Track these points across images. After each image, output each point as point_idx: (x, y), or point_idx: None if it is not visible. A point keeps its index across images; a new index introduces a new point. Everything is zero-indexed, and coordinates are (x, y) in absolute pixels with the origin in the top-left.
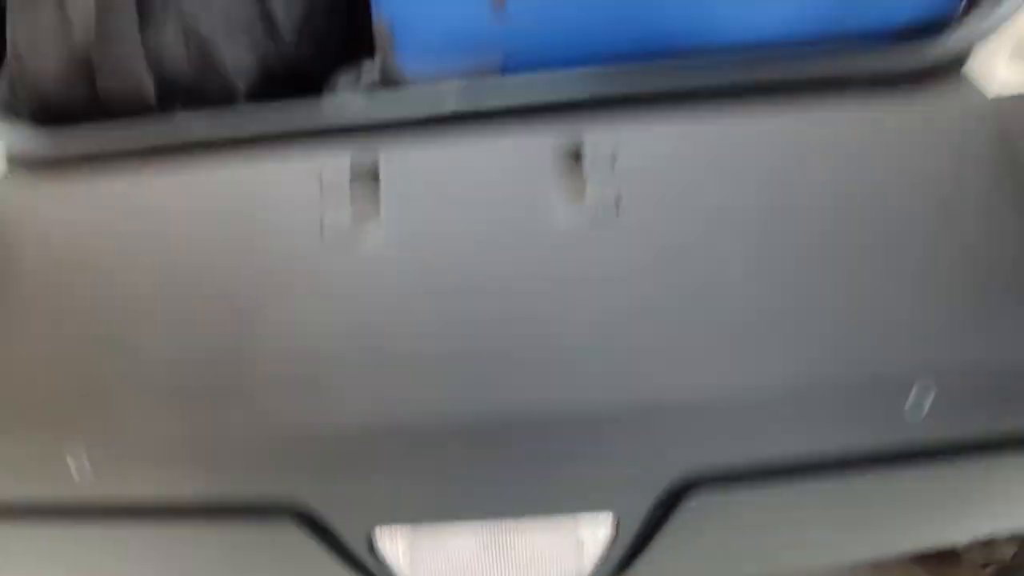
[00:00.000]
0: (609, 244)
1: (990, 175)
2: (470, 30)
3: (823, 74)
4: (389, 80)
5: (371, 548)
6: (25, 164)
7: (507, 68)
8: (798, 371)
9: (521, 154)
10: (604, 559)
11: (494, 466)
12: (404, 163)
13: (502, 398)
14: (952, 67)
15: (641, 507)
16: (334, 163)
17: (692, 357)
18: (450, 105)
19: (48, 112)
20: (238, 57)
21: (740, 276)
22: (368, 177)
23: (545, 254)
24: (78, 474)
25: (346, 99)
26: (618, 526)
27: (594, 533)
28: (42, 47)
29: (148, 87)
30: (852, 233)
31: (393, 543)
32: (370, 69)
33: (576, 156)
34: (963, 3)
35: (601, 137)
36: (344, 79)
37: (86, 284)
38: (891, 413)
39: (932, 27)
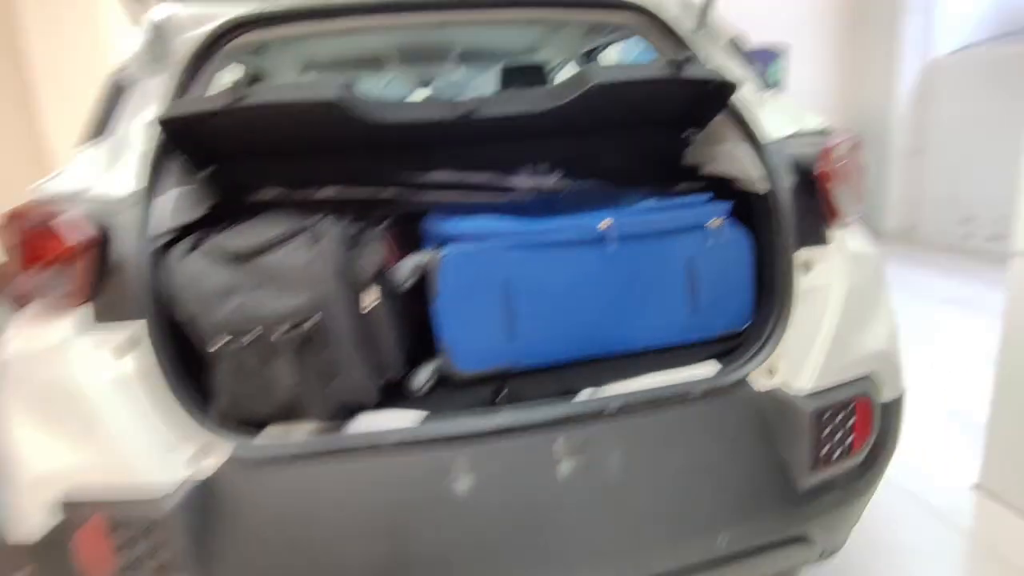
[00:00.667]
0: (582, 484)
1: (761, 429)
2: (496, 348)
3: (689, 391)
4: (449, 376)
5: None
6: (239, 461)
7: (514, 366)
8: (684, 537)
9: (539, 447)
10: None
11: None
12: (478, 452)
13: (533, 571)
14: (742, 381)
15: None
16: (446, 454)
17: (636, 540)
18: (496, 420)
19: (256, 422)
20: (373, 383)
21: (649, 499)
22: (460, 463)
23: (553, 492)
24: None
25: (448, 419)
26: None
27: None
28: (259, 404)
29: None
30: (696, 470)
31: None
32: (435, 368)
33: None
34: (756, 319)
35: (568, 436)
36: (422, 372)
37: (295, 520)
38: (709, 546)
39: (737, 333)
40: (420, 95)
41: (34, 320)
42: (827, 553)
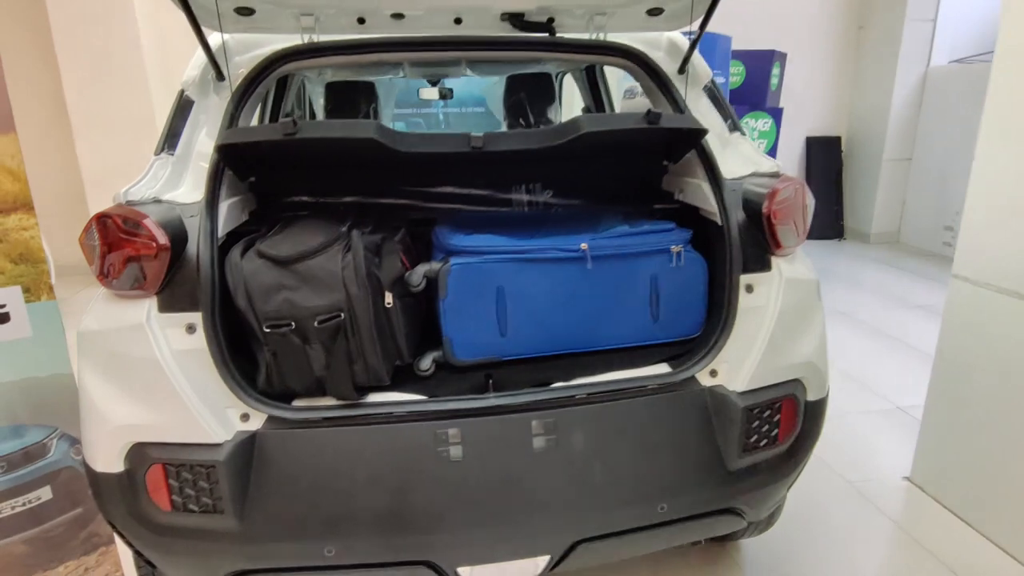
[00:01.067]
0: (552, 457)
1: (702, 420)
2: (489, 342)
3: (643, 385)
4: (448, 364)
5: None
6: (276, 422)
7: (502, 357)
8: (630, 503)
9: (519, 425)
10: (544, 569)
11: (511, 547)
12: (468, 426)
13: (509, 525)
14: (692, 378)
15: (560, 551)
16: (443, 426)
17: (592, 503)
18: (485, 401)
19: (291, 396)
20: (387, 367)
21: (605, 471)
22: (452, 434)
23: (527, 460)
24: (328, 552)
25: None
26: (552, 558)
27: (541, 560)
28: (295, 381)
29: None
30: (647, 452)
31: (467, 573)
32: (437, 356)
33: (536, 428)
34: (705, 329)
35: (542, 418)
36: (425, 360)
37: (318, 473)
38: (651, 511)
39: (689, 340)
40: (429, 93)
41: (109, 303)
42: (759, 527)
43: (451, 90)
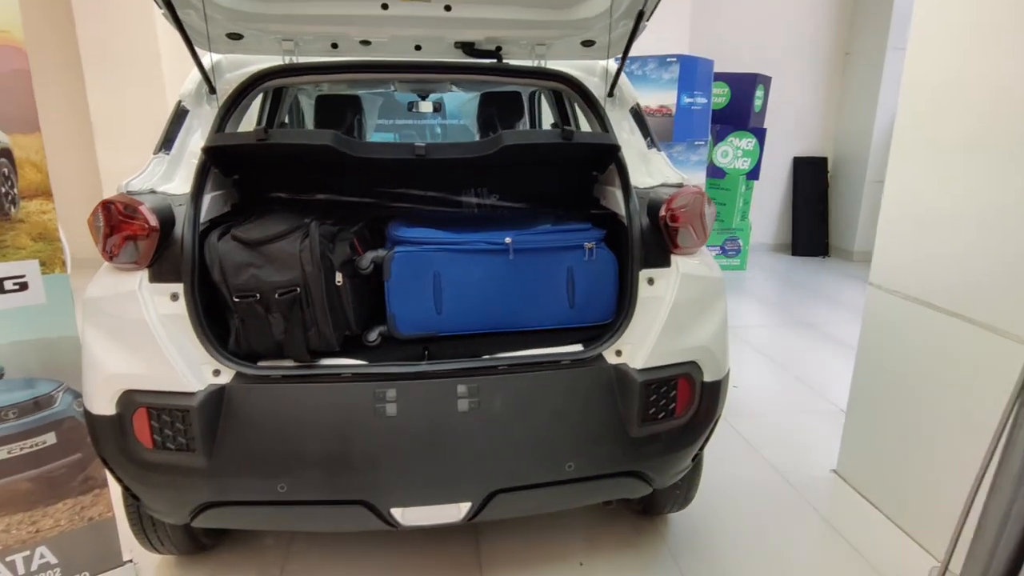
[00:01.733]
0: (475, 417)
1: (607, 391)
2: (427, 319)
3: (557, 359)
4: (392, 337)
5: (390, 515)
6: (242, 378)
7: (439, 332)
8: (541, 460)
9: (447, 389)
10: (466, 515)
11: (436, 492)
12: (403, 388)
13: (435, 473)
14: (599, 356)
15: (479, 499)
16: (382, 387)
17: (508, 458)
18: (419, 368)
19: (255, 357)
20: (337, 336)
21: (520, 431)
22: (389, 394)
23: (455, 419)
24: (281, 487)
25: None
26: (472, 505)
27: (463, 506)
28: (259, 343)
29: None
30: (557, 417)
31: (400, 513)
32: (382, 330)
33: (461, 392)
34: (616, 316)
35: (467, 383)
36: (372, 333)
37: (275, 421)
38: (559, 469)
39: (607, 323)
40: (425, 106)
41: (109, 274)
42: (677, 500)
43: (439, 104)
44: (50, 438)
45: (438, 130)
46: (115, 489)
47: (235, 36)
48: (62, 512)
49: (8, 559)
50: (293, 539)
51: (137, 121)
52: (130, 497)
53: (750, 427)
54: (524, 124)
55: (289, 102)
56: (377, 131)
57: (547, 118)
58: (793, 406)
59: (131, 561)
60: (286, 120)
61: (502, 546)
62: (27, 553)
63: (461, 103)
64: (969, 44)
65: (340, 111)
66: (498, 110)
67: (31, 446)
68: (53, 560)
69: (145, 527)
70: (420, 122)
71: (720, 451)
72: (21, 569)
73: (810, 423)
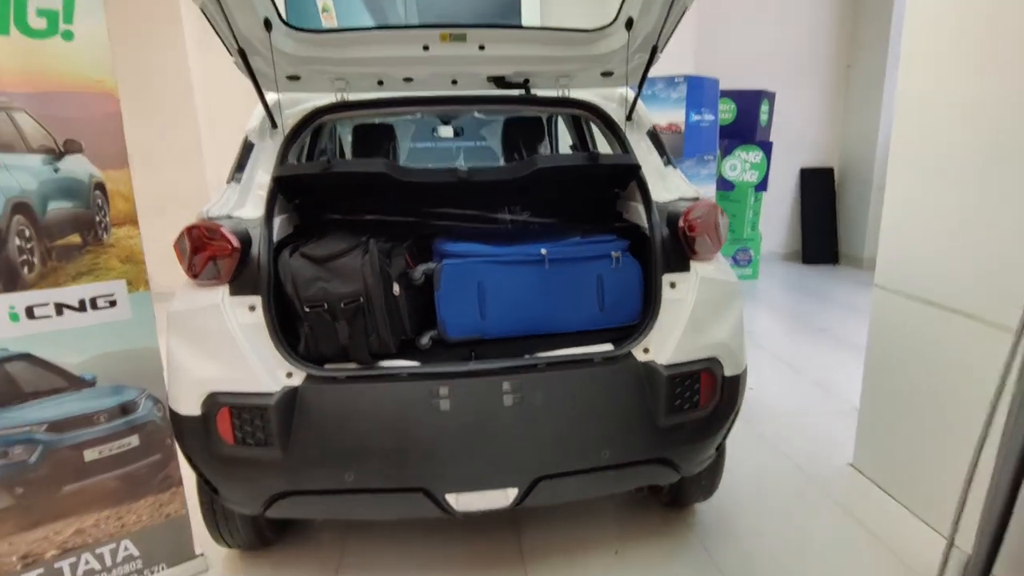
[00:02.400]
0: (519, 411)
1: (637, 385)
2: (472, 324)
3: (591, 357)
4: (442, 340)
5: (446, 502)
6: (312, 379)
7: (484, 336)
8: (580, 449)
9: (493, 385)
10: (514, 500)
11: (487, 479)
12: (455, 385)
13: (485, 462)
14: (629, 353)
15: (525, 485)
16: (435, 385)
17: (550, 447)
18: (468, 367)
19: (321, 361)
20: (394, 341)
21: (560, 422)
22: (443, 391)
23: (501, 412)
24: (349, 477)
25: (435, 366)
26: (519, 491)
27: (511, 492)
28: (326, 348)
29: (391, 349)
30: (592, 409)
31: (455, 499)
32: (433, 334)
33: (507, 388)
34: (643, 317)
35: (512, 380)
36: (424, 337)
37: (342, 418)
38: (596, 456)
39: (634, 324)
40: (444, 131)
41: (192, 290)
42: (702, 489)
43: (462, 128)
44: (134, 440)
45: (463, 151)
46: (188, 487)
47: (294, 77)
48: (143, 508)
49: (98, 551)
50: (348, 534)
51: (172, 151)
52: (207, 492)
53: (769, 427)
54: (545, 146)
55: (328, 131)
56: (409, 155)
57: (563, 138)
58: (809, 406)
59: (202, 555)
60: (325, 148)
61: (542, 537)
62: (113, 546)
63: (482, 126)
64: (954, 59)
65: (376, 138)
66: (522, 134)
67: (118, 447)
68: (135, 553)
69: (217, 521)
70: (447, 144)
71: (741, 449)
72: (108, 561)
73: (826, 422)
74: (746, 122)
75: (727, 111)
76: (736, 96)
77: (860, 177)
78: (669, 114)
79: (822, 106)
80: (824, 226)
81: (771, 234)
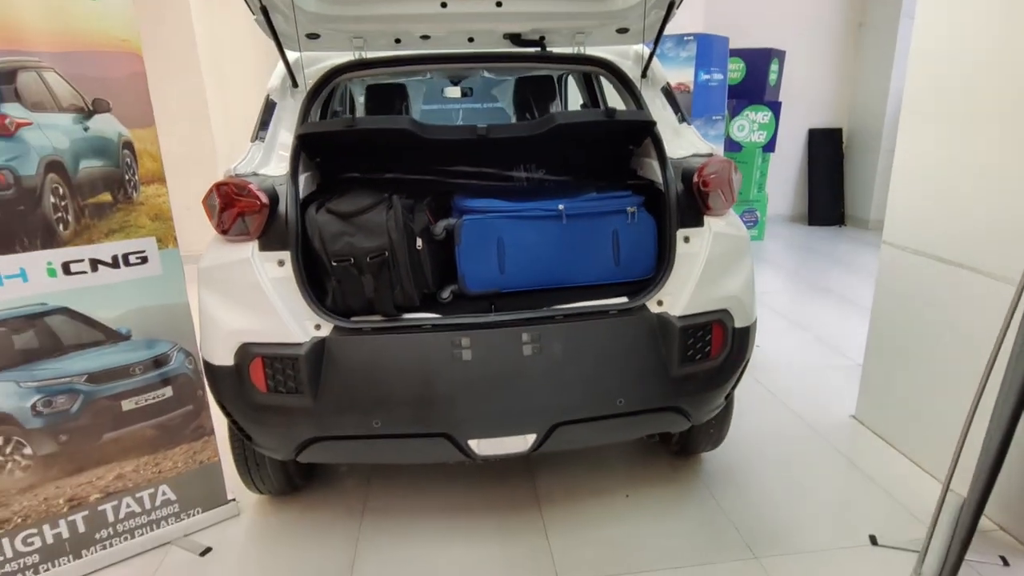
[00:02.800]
0: (537, 360)
1: (651, 336)
2: (492, 278)
3: (607, 309)
4: (462, 294)
5: (468, 447)
6: (340, 331)
7: (502, 289)
8: (596, 396)
9: (513, 336)
10: (532, 446)
11: (507, 425)
12: (476, 336)
13: (505, 409)
14: (643, 306)
15: (543, 431)
16: (457, 336)
17: (567, 395)
18: (488, 319)
19: (348, 314)
20: (417, 294)
21: (577, 371)
22: (464, 342)
23: (520, 362)
24: (376, 423)
25: (459, 316)
26: (537, 437)
27: (529, 438)
28: (353, 301)
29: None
30: (608, 359)
31: (476, 444)
32: (454, 288)
33: (525, 339)
34: (657, 271)
35: (530, 331)
36: (445, 291)
37: (369, 367)
38: (611, 404)
39: (648, 278)
40: (451, 92)
41: (221, 246)
42: (711, 439)
43: (471, 89)
44: (168, 391)
45: (475, 111)
46: (220, 437)
47: (313, 36)
48: (178, 456)
49: (138, 495)
50: (371, 480)
51: (179, 111)
52: (239, 440)
53: (774, 381)
54: (556, 105)
55: (340, 91)
56: (422, 116)
57: (572, 97)
58: (813, 362)
59: (234, 500)
60: (338, 108)
61: (555, 482)
62: (152, 490)
63: (493, 87)
64: (970, 12)
65: (389, 98)
66: (534, 93)
67: (153, 398)
68: (172, 497)
69: (249, 467)
70: (458, 104)
71: (747, 402)
72: (148, 504)
73: (829, 376)
74: (755, 81)
75: (736, 70)
76: (745, 55)
77: (869, 138)
78: (678, 73)
79: (832, 65)
80: (831, 187)
81: (777, 196)
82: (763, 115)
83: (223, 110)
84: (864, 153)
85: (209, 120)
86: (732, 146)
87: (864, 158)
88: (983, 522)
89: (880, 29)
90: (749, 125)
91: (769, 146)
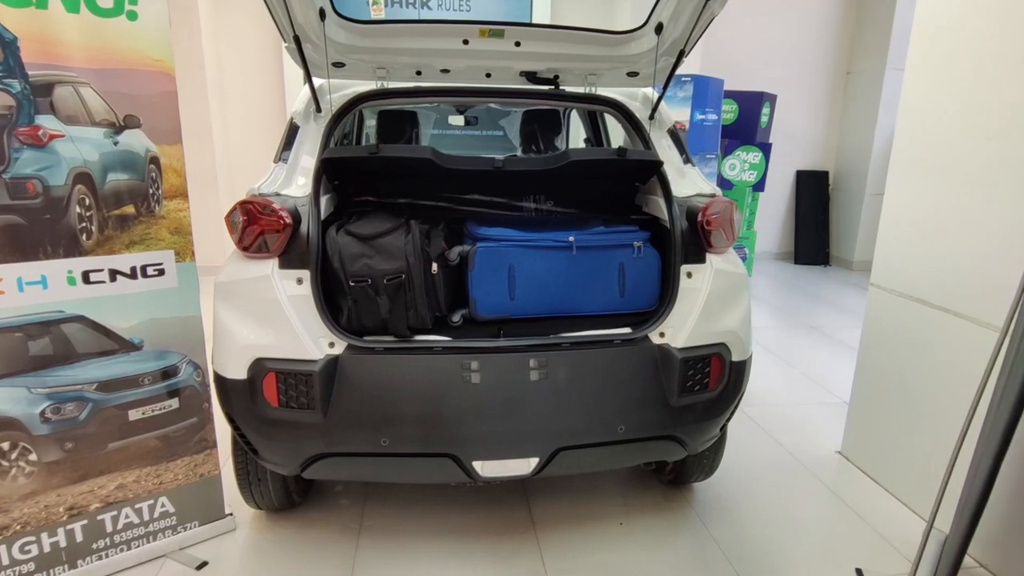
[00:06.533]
0: (543, 386)
1: (652, 367)
2: (502, 304)
3: (611, 339)
4: (472, 318)
5: (472, 468)
6: (353, 349)
7: (511, 315)
8: (598, 423)
9: (521, 361)
10: (534, 469)
11: (511, 448)
12: (485, 360)
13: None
14: (646, 336)
15: (546, 455)
16: (467, 359)
17: (571, 421)
18: (498, 343)
19: (361, 333)
20: (429, 316)
21: (580, 398)
22: (474, 365)
23: (527, 386)
24: (384, 441)
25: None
26: (540, 460)
27: (532, 461)
28: (368, 320)
29: (427, 324)
30: (611, 387)
31: (480, 466)
32: (465, 313)
33: (533, 364)
34: (658, 303)
35: (537, 357)
36: (456, 315)
37: (379, 386)
38: (613, 431)
39: (651, 310)
40: (456, 120)
41: (241, 262)
42: (703, 469)
43: (476, 117)
44: (174, 403)
45: (481, 140)
46: (222, 450)
47: (339, 64)
48: (180, 468)
49: (137, 506)
50: (367, 499)
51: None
52: (243, 453)
53: (763, 415)
54: (561, 138)
55: (352, 118)
56: (430, 142)
57: (574, 131)
58: (800, 398)
59: (231, 514)
60: (347, 131)
61: (551, 508)
62: (151, 502)
63: (499, 117)
64: (958, 68)
65: (401, 123)
66: (539, 125)
67: (159, 409)
68: (171, 509)
69: (250, 482)
70: (466, 133)
71: (737, 435)
72: (146, 515)
73: (816, 412)
74: (747, 123)
75: (730, 111)
76: (739, 97)
77: (854, 181)
78: (675, 112)
79: (820, 110)
80: (816, 228)
81: (765, 234)
82: (754, 155)
83: (224, 132)
84: (849, 195)
85: (212, 141)
86: (724, 184)
87: (849, 200)
88: (966, 559)
89: (867, 78)
90: (740, 164)
91: (759, 185)
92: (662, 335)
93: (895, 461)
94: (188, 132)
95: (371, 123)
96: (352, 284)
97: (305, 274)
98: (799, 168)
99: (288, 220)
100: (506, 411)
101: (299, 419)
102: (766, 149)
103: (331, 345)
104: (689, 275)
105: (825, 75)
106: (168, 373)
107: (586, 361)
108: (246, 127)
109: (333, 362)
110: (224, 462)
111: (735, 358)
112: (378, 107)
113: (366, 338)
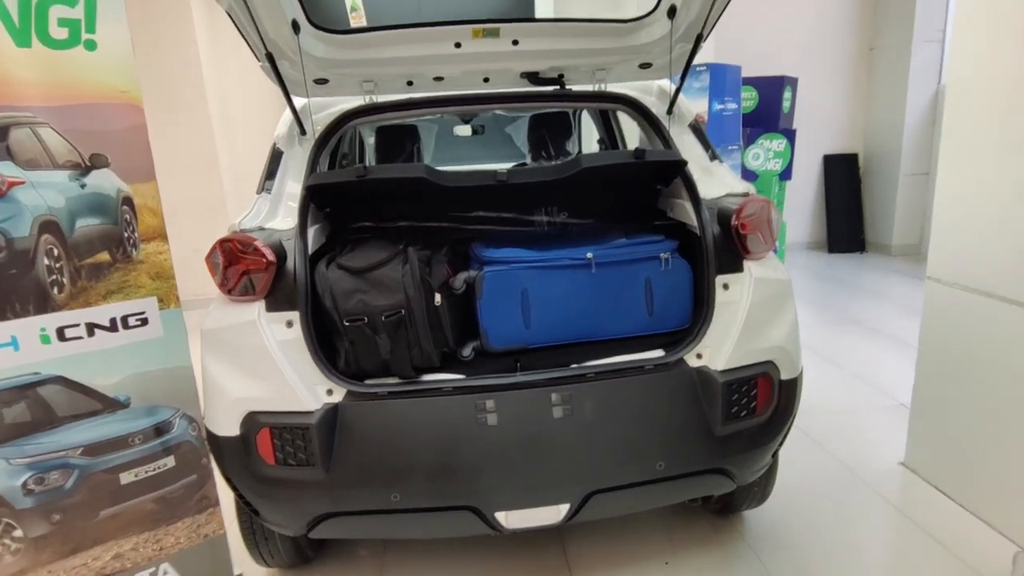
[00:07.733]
0: (569, 423)
1: (691, 393)
2: (516, 333)
3: (642, 364)
4: (485, 351)
5: (495, 520)
6: (353, 396)
7: (528, 345)
8: (634, 461)
9: (541, 397)
10: (565, 516)
11: (538, 495)
12: (501, 398)
13: (536, 478)
14: (681, 360)
15: (577, 500)
16: (481, 399)
17: (603, 460)
18: (514, 379)
19: (361, 376)
20: (436, 353)
21: (612, 434)
22: (489, 405)
23: (551, 425)
24: (394, 496)
25: (483, 377)
26: (571, 506)
27: (563, 508)
28: (367, 363)
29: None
30: (645, 419)
31: (504, 517)
32: (476, 345)
33: (555, 400)
34: (692, 321)
35: (560, 391)
36: (466, 348)
37: (385, 435)
38: (651, 468)
39: (685, 328)
40: (462, 130)
41: (226, 307)
42: (755, 497)
43: (483, 127)
44: (170, 461)
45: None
46: (226, 507)
47: (321, 81)
48: (181, 530)
49: (138, 575)
50: (386, 549)
51: (189, 157)
52: (247, 512)
53: (813, 425)
54: (574, 142)
55: (350, 135)
56: (434, 156)
57: (586, 132)
58: (852, 402)
59: (241, 575)
60: (346, 151)
61: (588, 548)
62: (153, 569)
63: (506, 124)
64: (1009, 35)
65: (400, 139)
66: (549, 130)
67: (154, 469)
68: (175, 575)
69: (257, 541)
70: (471, 143)
71: (787, 449)
72: None
73: (872, 418)
74: (769, 109)
75: (749, 99)
76: (758, 83)
77: (887, 162)
78: (693, 104)
79: (845, 90)
80: (849, 214)
81: (795, 223)
82: (778, 143)
83: (231, 157)
84: (883, 178)
85: (219, 166)
86: (748, 175)
87: (883, 183)
88: None
89: (892, 52)
90: (764, 153)
91: (785, 174)
92: (699, 356)
93: (971, 473)
94: (195, 164)
95: (372, 141)
96: (347, 324)
97: (295, 316)
98: (826, 152)
99: (271, 258)
100: (529, 454)
101: (299, 477)
102: (790, 135)
103: (329, 392)
104: (725, 286)
105: (847, 53)
106: (161, 430)
107: (615, 392)
108: (253, 153)
109: (332, 411)
110: (230, 521)
111: (784, 376)
112: (374, 123)
113: (367, 382)
